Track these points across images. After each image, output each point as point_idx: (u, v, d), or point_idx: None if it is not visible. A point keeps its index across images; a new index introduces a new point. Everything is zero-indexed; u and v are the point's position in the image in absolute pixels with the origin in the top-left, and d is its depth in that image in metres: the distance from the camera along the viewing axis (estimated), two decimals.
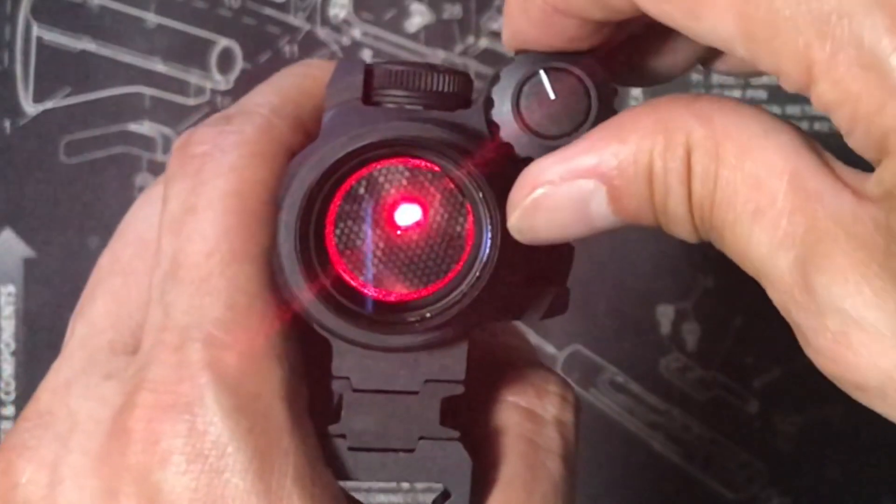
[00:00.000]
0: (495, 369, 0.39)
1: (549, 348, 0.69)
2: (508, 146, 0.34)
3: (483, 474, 0.36)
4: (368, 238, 0.35)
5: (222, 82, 0.70)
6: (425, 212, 0.35)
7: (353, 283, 0.35)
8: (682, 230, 0.32)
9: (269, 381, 0.33)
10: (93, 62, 0.69)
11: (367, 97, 0.35)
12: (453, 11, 0.70)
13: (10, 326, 0.70)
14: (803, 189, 0.29)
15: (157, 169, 0.69)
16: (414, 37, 0.70)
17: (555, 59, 0.34)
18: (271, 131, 0.35)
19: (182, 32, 0.70)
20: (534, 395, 0.38)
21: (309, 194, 0.34)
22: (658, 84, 0.35)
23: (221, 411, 0.33)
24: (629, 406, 0.71)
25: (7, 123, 0.69)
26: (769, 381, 0.70)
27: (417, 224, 0.35)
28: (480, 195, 0.34)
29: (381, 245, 0.35)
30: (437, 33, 0.70)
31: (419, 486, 0.69)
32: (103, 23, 0.69)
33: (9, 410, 0.70)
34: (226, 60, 0.70)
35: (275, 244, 0.34)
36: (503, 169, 0.34)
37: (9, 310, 0.70)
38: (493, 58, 0.69)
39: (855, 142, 0.28)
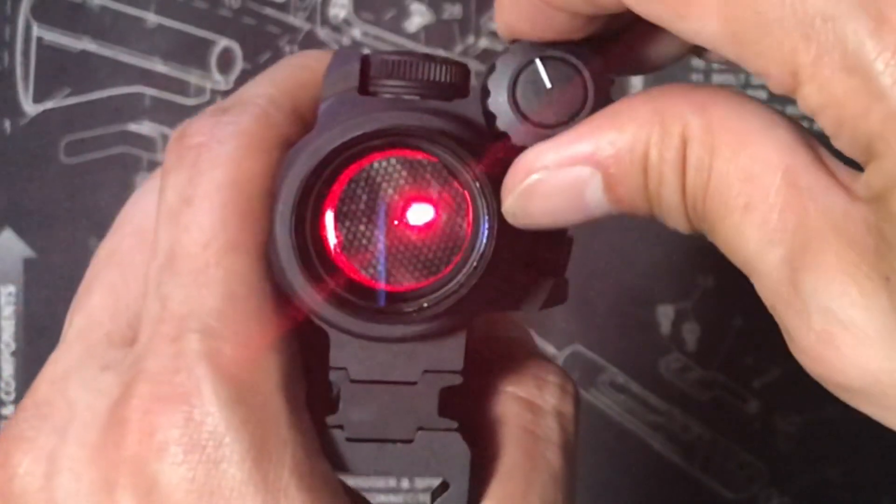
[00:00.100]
0: (494, 360, 0.38)
1: (549, 348, 0.69)
2: (505, 136, 0.34)
3: (482, 465, 0.36)
4: (367, 231, 0.35)
5: (222, 82, 0.70)
6: (424, 204, 0.35)
7: (350, 274, 0.35)
8: (676, 220, 0.32)
9: (267, 372, 0.33)
10: (93, 62, 0.69)
11: (364, 87, 0.35)
12: (453, 11, 0.70)
13: (10, 326, 0.70)
14: (796, 185, 0.29)
15: (157, 169, 0.69)
16: (414, 37, 0.70)
17: (550, 48, 0.34)
18: (268, 122, 0.35)
19: (182, 32, 0.70)
20: (533, 386, 0.38)
21: (305, 185, 0.34)
22: (653, 72, 0.35)
23: (218, 402, 0.33)
24: (629, 406, 0.71)
25: (7, 123, 0.69)
26: (769, 381, 0.70)
27: (416, 216, 0.35)
28: (477, 185, 0.34)
29: (381, 237, 0.35)
30: (437, 33, 0.70)
31: (417, 478, 0.69)
32: (103, 23, 0.69)
33: (9, 410, 0.70)
34: (226, 60, 0.70)
35: (271, 235, 0.34)
36: (500, 158, 0.34)
37: (9, 310, 0.70)
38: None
39: (841, 145, 0.28)
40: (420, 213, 0.35)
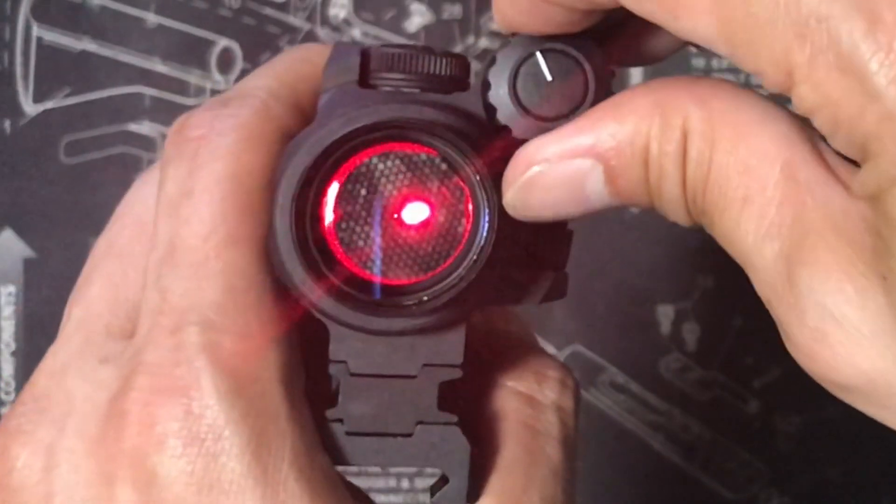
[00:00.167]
0: (494, 354, 0.38)
1: (550, 348, 0.69)
2: (506, 129, 0.34)
3: (482, 459, 0.36)
4: (366, 226, 0.35)
5: (222, 82, 0.70)
6: (425, 198, 0.35)
7: (350, 268, 0.35)
8: (676, 213, 0.32)
9: (267, 365, 0.33)
10: (93, 62, 0.69)
11: (364, 80, 0.35)
12: (453, 11, 0.70)
13: (10, 326, 0.70)
14: (794, 179, 0.29)
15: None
16: (414, 37, 0.70)
17: (551, 41, 0.34)
18: (268, 114, 0.35)
19: (182, 32, 0.70)
20: (533, 381, 0.38)
21: (305, 177, 0.33)
22: (654, 63, 0.35)
23: (218, 394, 0.32)
24: (629, 406, 0.71)
25: (7, 123, 0.69)
26: (769, 381, 0.70)
27: (414, 213, 0.35)
28: (477, 178, 0.34)
29: (380, 233, 0.35)
30: (437, 33, 0.70)
31: (417, 478, 0.69)
32: (103, 23, 0.69)
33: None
34: (226, 60, 0.70)
35: (271, 228, 0.34)
36: (501, 151, 0.34)
37: (9, 310, 0.70)
38: None
39: (837, 144, 0.28)
40: (418, 210, 0.35)
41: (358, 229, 0.34)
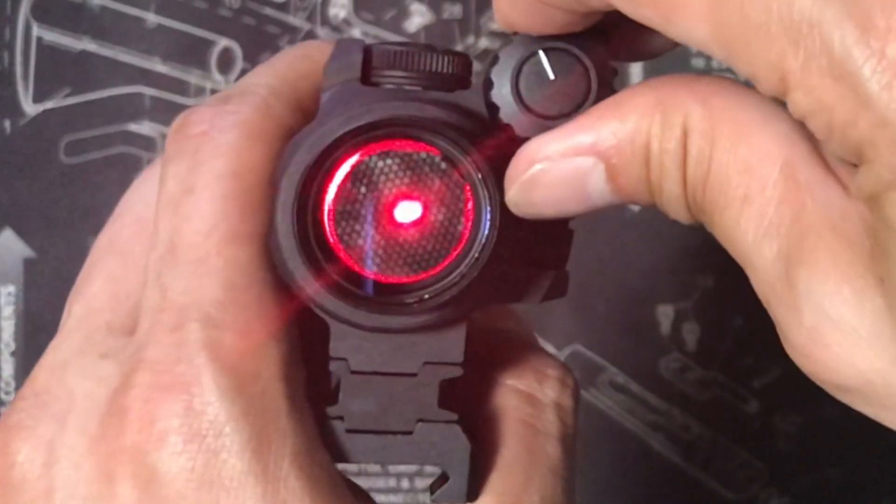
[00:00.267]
0: (494, 353, 0.38)
1: (550, 348, 0.69)
2: (508, 127, 0.34)
3: (481, 458, 0.36)
4: (368, 223, 0.35)
5: (222, 82, 0.70)
6: (425, 196, 0.35)
7: (351, 265, 0.35)
8: (677, 211, 0.32)
9: (267, 362, 0.33)
10: (93, 62, 0.69)
11: (366, 77, 0.35)
12: (453, 11, 0.70)
13: (10, 326, 0.70)
14: (794, 179, 0.29)
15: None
16: (414, 37, 0.70)
17: (553, 39, 0.34)
18: (269, 111, 0.35)
19: (182, 32, 0.70)
20: (533, 379, 0.38)
21: (307, 174, 0.33)
22: (655, 58, 0.35)
23: (219, 391, 0.32)
24: (629, 406, 0.71)
25: (7, 123, 0.69)
26: (769, 381, 0.70)
27: (417, 208, 0.35)
28: (479, 176, 0.34)
29: (382, 229, 0.35)
30: (437, 33, 0.70)
31: (417, 478, 0.69)
32: (103, 23, 0.69)
33: None
34: (226, 60, 0.70)
35: (272, 225, 0.34)
36: (503, 150, 0.34)
37: (9, 310, 0.70)
38: None
39: (832, 149, 0.28)
40: (419, 208, 0.35)
41: (359, 227, 0.34)
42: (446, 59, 0.35)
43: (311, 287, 0.34)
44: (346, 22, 0.70)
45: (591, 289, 0.70)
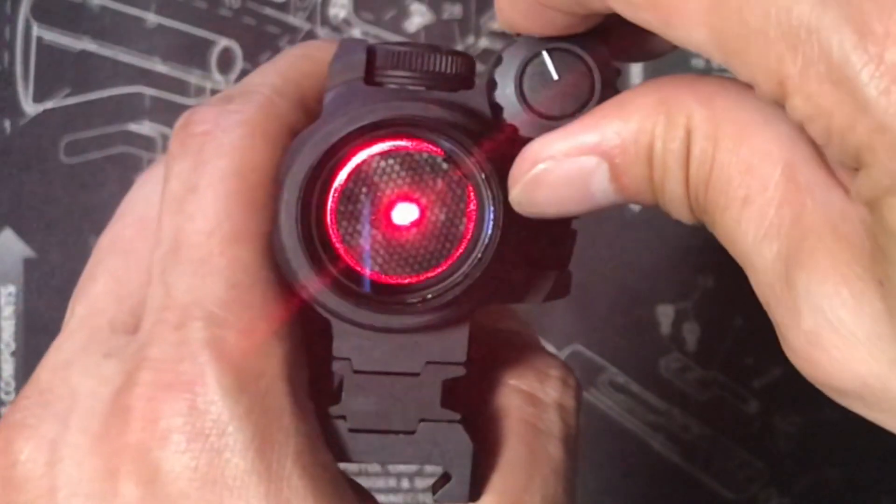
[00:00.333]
0: (497, 353, 0.39)
1: (550, 348, 0.69)
2: (512, 127, 0.34)
3: (483, 457, 0.36)
4: (370, 223, 0.35)
5: (222, 82, 0.70)
6: (427, 196, 0.35)
7: (354, 264, 0.35)
8: (679, 211, 0.32)
9: (270, 361, 0.33)
10: (93, 62, 0.69)
11: (370, 77, 0.35)
12: (453, 11, 0.70)
13: (10, 326, 0.70)
14: (795, 181, 0.29)
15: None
16: (414, 37, 0.70)
17: (557, 40, 0.34)
18: (273, 111, 0.35)
19: (182, 32, 0.70)
20: (535, 379, 0.38)
21: (310, 174, 0.34)
22: (658, 57, 0.35)
23: (222, 390, 0.32)
24: (629, 406, 0.71)
25: (7, 123, 0.69)
26: (769, 381, 0.70)
27: (420, 208, 0.35)
28: (483, 176, 0.34)
29: (384, 229, 0.35)
30: (437, 33, 0.70)
31: (417, 478, 0.69)
32: (103, 23, 0.69)
33: None
34: (226, 60, 0.70)
35: (276, 224, 0.34)
36: (506, 150, 0.34)
37: (9, 310, 0.69)
38: None
39: (831, 153, 0.28)
40: (423, 208, 0.35)
41: (361, 227, 0.35)
42: (450, 59, 0.35)
43: (314, 286, 0.34)
44: (346, 22, 0.70)
45: (591, 289, 0.70)
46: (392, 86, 0.35)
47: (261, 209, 0.34)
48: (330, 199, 0.34)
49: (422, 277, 0.35)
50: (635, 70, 0.68)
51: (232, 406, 0.32)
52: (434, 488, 0.36)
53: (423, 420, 0.36)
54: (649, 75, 0.67)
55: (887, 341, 0.28)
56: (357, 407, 0.35)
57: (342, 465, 0.35)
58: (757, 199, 0.30)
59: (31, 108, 0.69)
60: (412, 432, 0.36)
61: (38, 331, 0.69)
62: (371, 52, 0.35)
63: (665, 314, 0.70)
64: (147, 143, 0.70)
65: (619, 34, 0.34)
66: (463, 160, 0.34)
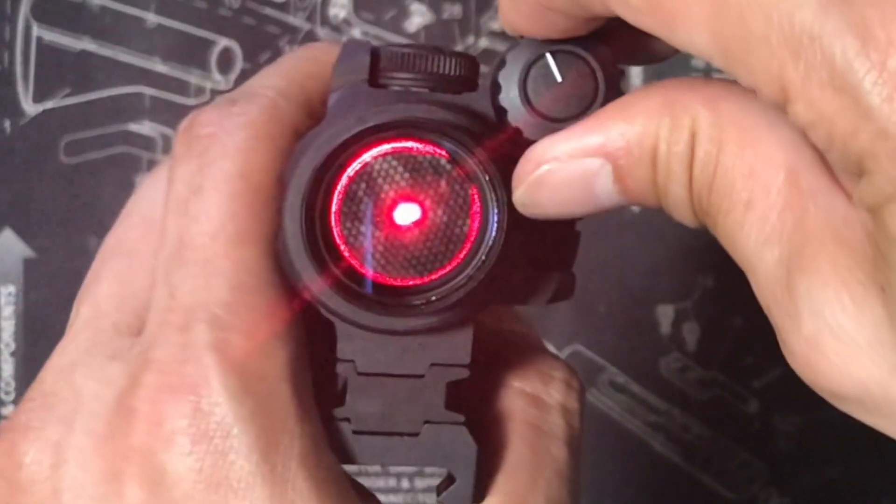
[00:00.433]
0: (501, 355, 0.39)
1: (550, 348, 0.69)
2: (516, 129, 0.34)
3: (487, 459, 0.36)
4: (374, 225, 0.35)
5: (222, 82, 0.70)
6: (431, 198, 0.35)
7: (358, 266, 0.35)
8: (682, 214, 0.32)
9: (275, 363, 0.33)
10: (93, 62, 0.69)
11: (374, 79, 0.35)
12: (453, 11, 0.70)
13: (10, 326, 0.70)
14: (797, 186, 0.29)
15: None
16: (414, 37, 0.70)
17: (560, 42, 0.34)
18: (277, 113, 0.35)
19: (182, 32, 0.70)
20: (539, 381, 0.38)
21: (315, 176, 0.33)
22: (662, 61, 0.35)
23: (226, 392, 0.32)
24: (629, 406, 0.71)
25: (7, 123, 0.69)
26: (769, 381, 0.70)
27: (424, 210, 0.35)
28: (487, 178, 0.34)
29: (389, 231, 0.35)
30: (437, 33, 0.70)
31: (417, 478, 0.69)
32: (103, 23, 0.69)
33: (8, 410, 0.70)
34: (226, 60, 0.70)
35: (280, 226, 0.34)
36: (510, 152, 0.34)
37: (9, 310, 0.69)
38: (494, 58, 0.69)
39: (833, 159, 0.28)
40: (427, 210, 0.35)
41: (366, 229, 0.35)
42: (454, 61, 0.35)
43: (318, 288, 0.34)
44: (346, 22, 0.70)
45: (591, 289, 0.70)
46: (396, 88, 0.35)
47: (265, 211, 0.34)
48: (334, 201, 0.34)
49: (426, 279, 0.35)
50: (635, 72, 0.68)
51: (236, 408, 0.32)
52: (438, 490, 0.36)
53: (427, 422, 0.36)
54: (649, 77, 0.67)
55: (888, 347, 0.28)
56: (361, 409, 0.35)
57: (345, 467, 0.35)
58: (759, 203, 0.30)
59: (31, 108, 0.69)
60: (416, 434, 0.36)
61: (38, 331, 0.69)
62: (375, 54, 0.35)
63: (665, 314, 0.70)
64: (147, 143, 0.70)
65: (621, 37, 0.34)
66: (467, 162, 0.34)
